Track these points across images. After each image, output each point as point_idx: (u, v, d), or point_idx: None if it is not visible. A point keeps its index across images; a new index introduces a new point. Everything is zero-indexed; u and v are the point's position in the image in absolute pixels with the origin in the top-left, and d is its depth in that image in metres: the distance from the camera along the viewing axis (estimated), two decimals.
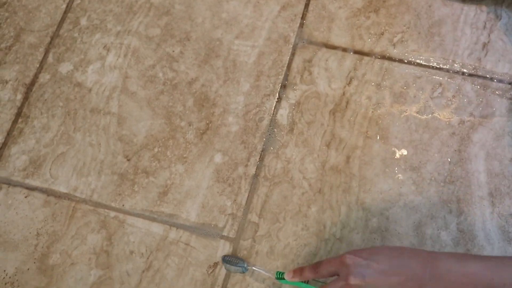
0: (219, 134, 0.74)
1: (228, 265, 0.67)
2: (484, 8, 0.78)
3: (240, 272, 0.67)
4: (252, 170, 0.72)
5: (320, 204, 0.70)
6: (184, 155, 0.73)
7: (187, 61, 0.78)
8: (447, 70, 0.75)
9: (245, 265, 0.67)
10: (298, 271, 0.60)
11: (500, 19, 0.77)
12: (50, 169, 0.73)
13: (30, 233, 0.71)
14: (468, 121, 0.72)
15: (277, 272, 0.64)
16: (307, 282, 0.62)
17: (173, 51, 0.79)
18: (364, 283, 0.52)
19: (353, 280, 0.53)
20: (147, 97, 0.76)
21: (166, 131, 0.75)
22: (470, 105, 0.73)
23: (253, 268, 0.67)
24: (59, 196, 0.72)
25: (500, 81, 0.74)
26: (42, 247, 0.70)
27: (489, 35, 0.77)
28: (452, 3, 0.78)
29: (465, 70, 0.75)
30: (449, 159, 0.71)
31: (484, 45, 0.76)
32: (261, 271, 0.66)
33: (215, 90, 0.76)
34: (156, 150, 0.74)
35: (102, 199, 0.72)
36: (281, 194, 0.71)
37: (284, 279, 0.62)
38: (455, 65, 0.75)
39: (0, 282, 0.69)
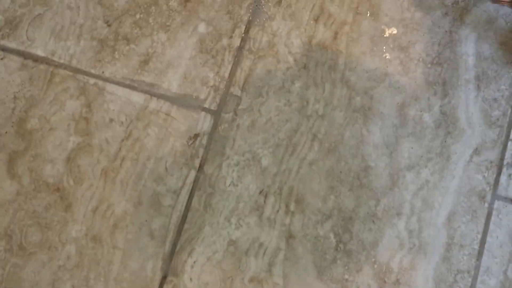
0: (203, 2, 0.71)
1: None
2: None
3: None
4: (236, 42, 0.70)
5: (304, 80, 0.69)
6: (167, 23, 0.70)
7: None
8: None
9: None
10: None
11: None
12: (26, 31, 0.70)
13: (7, 96, 0.69)
14: (463, 1, 0.70)
15: None
16: None
17: None
18: None
19: None
20: None
21: None
22: None
23: None
24: (36, 59, 0.70)
25: None
26: (20, 111, 0.69)
27: None
28: None
29: None
30: (439, 40, 0.69)
31: None
32: None
33: None
34: (137, 16, 0.71)
35: (81, 65, 0.70)
36: (265, 68, 0.69)
37: None
38: None
39: None
